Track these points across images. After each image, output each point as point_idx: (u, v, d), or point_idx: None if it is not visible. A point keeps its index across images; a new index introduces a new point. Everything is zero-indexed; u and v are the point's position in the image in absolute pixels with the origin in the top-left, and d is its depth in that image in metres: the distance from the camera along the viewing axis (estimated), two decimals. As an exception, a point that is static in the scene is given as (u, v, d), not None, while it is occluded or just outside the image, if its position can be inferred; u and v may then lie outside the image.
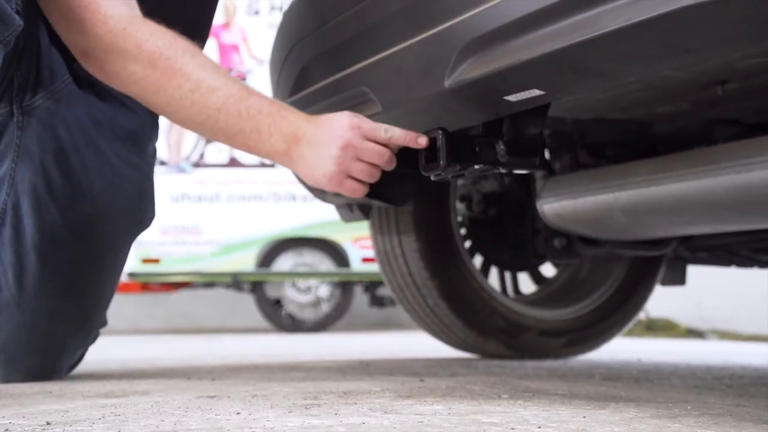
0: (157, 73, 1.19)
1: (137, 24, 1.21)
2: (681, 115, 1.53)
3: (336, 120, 1.20)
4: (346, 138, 1.18)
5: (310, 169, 1.21)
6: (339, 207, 1.94)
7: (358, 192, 1.23)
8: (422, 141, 1.18)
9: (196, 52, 1.22)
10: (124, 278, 4.70)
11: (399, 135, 1.19)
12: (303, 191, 2.71)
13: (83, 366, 1.63)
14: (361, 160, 1.20)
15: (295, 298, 4.93)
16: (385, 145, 1.20)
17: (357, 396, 1.11)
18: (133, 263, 4.70)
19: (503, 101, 1.08)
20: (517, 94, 1.05)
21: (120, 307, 5.20)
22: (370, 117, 1.26)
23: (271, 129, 1.20)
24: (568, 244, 1.89)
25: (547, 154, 1.75)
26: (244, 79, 5.04)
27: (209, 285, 5.08)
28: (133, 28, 1.20)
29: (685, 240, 1.90)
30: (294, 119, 1.21)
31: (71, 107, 1.33)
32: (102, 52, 1.21)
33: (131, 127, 1.41)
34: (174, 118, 1.25)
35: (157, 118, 1.48)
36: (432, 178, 1.22)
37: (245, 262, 4.87)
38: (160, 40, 1.20)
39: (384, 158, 1.20)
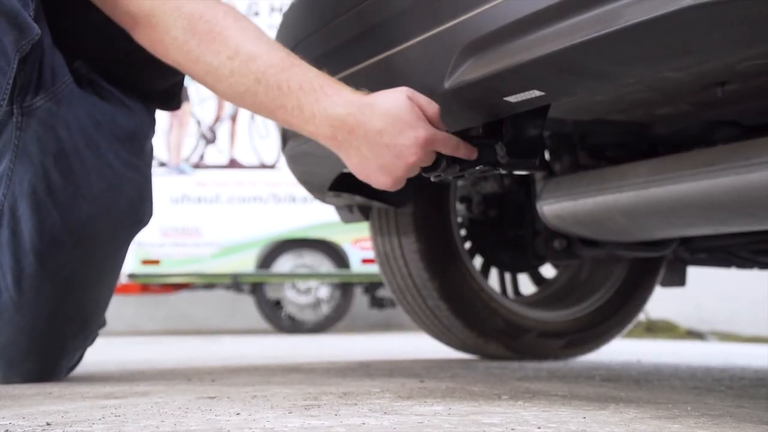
0: (196, 38, 1.13)
1: None
2: (681, 117, 1.53)
3: (402, 121, 1.05)
4: (418, 157, 1.06)
5: (363, 165, 1.08)
6: (339, 208, 1.95)
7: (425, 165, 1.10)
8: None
9: (239, 15, 1.16)
10: (123, 279, 4.70)
11: (464, 152, 1.11)
12: (303, 192, 2.71)
13: (83, 367, 1.63)
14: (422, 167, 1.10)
15: (295, 299, 4.93)
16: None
17: (357, 397, 1.11)
18: (133, 264, 4.70)
19: (503, 102, 1.08)
20: (517, 95, 1.05)
21: (120, 309, 5.21)
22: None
23: (313, 108, 1.07)
24: (568, 245, 1.89)
25: (547, 156, 1.75)
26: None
27: (209, 286, 5.08)
28: None
29: (685, 241, 1.90)
30: (341, 101, 1.06)
31: (72, 108, 1.33)
32: (145, 18, 1.17)
33: (130, 127, 1.41)
34: (217, 89, 1.17)
35: (154, 116, 1.48)
36: (432, 179, 1.22)
37: (245, 263, 4.87)
38: (201, 2, 1.14)
39: (459, 149, 1.09)
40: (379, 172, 1.08)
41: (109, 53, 1.34)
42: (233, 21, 1.14)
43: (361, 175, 1.11)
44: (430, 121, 1.08)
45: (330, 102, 1.07)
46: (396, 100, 1.06)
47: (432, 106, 1.08)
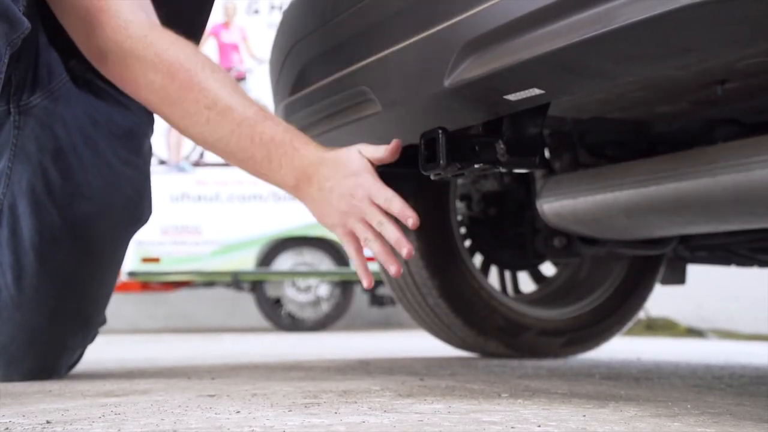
0: (175, 84, 1.18)
1: (158, 32, 1.20)
2: (680, 115, 1.53)
3: (349, 170, 1.15)
4: (353, 198, 1.15)
5: (318, 212, 1.19)
6: (339, 206, 1.94)
7: (355, 257, 1.19)
8: (413, 223, 1.13)
9: (216, 68, 1.21)
10: (123, 278, 4.70)
11: (396, 207, 1.15)
12: (303, 191, 2.71)
13: (83, 365, 1.63)
14: (364, 222, 1.17)
15: (294, 297, 4.93)
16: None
17: (357, 395, 1.11)
18: (132, 262, 4.70)
19: (503, 101, 1.08)
20: (517, 94, 1.05)
21: (120, 307, 5.20)
22: (370, 116, 1.26)
23: (281, 160, 1.17)
24: (567, 243, 1.89)
25: (546, 154, 1.75)
26: (243, 78, 5.05)
27: (209, 284, 5.08)
28: (154, 36, 1.19)
29: (685, 239, 1.90)
30: (307, 153, 1.17)
31: (69, 106, 1.33)
32: (121, 57, 1.20)
33: (128, 125, 1.41)
34: (187, 133, 1.23)
35: (153, 115, 1.48)
36: (432, 177, 1.23)
37: (245, 261, 4.87)
38: (180, 51, 1.19)
39: (383, 228, 1.15)
40: (326, 215, 1.18)
41: None
42: (211, 73, 1.19)
43: (316, 217, 1.21)
44: (369, 197, 1.16)
45: (297, 155, 1.17)
46: (348, 152, 1.17)
47: (374, 186, 1.16)
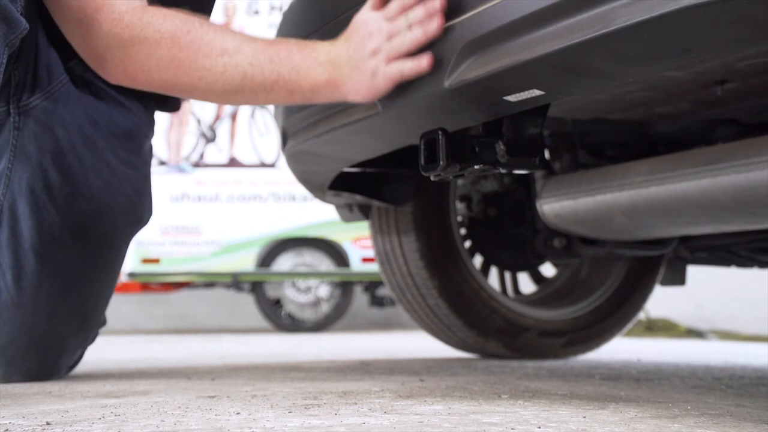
0: (183, 51, 1.20)
1: (150, 11, 1.22)
2: (680, 115, 1.53)
3: (356, 25, 1.17)
4: (372, 33, 1.14)
5: (357, 82, 1.16)
6: (339, 207, 1.95)
7: (414, 69, 1.11)
8: (439, 2, 1.08)
9: (205, 21, 1.23)
10: (123, 278, 4.70)
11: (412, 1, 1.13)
12: (303, 191, 2.71)
13: (83, 366, 1.63)
14: (394, 36, 1.13)
15: (294, 298, 4.93)
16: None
17: (357, 396, 1.11)
18: (132, 263, 4.70)
19: (503, 101, 1.08)
20: (517, 95, 1.05)
21: (120, 307, 5.21)
22: (370, 117, 1.26)
23: (308, 63, 1.18)
24: (567, 244, 1.89)
25: (546, 154, 1.75)
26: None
27: (209, 285, 5.08)
28: (148, 16, 1.21)
29: (685, 240, 1.90)
30: (323, 47, 1.19)
31: (68, 107, 1.32)
32: (122, 49, 1.21)
33: (128, 125, 1.41)
34: (212, 92, 1.23)
35: (153, 116, 1.47)
36: (432, 178, 1.22)
37: (245, 262, 4.87)
38: (176, 19, 1.21)
39: (411, 16, 1.11)
40: (364, 71, 1.15)
41: None
42: (209, 26, 1.22)
43: (360, 93, 1.17)
44: (387, 18, 1.14)
45: (317, 52, 1.19)
46: (353, 19, 1.18)
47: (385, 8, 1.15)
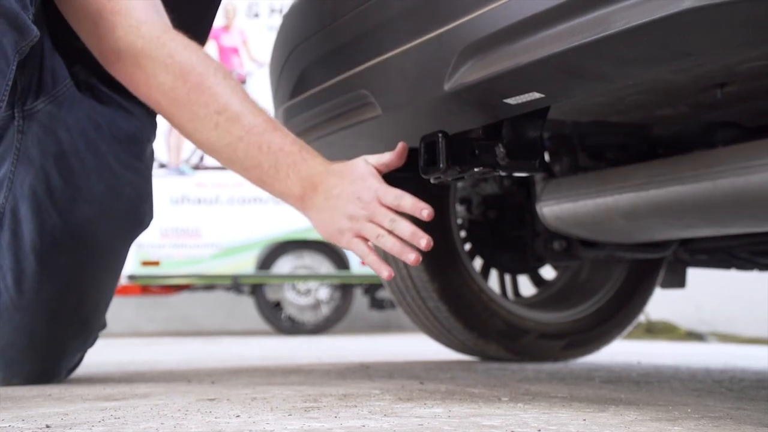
0: (186, 87, 1.18)
1: (171, 34, 1.20)
2: (680, 118, 1.53)
3: (356, 175, 1.16)
4: (361, 201, 1.14)
5: (323, 221, 1.18)
6: (339, 210, 1.94)
7: (367, 256, 1.16)
8: (428, 214, 1.13)
9: (228, 74, 1.21)
10: (123, 281, 4.70)
11: (408, 203, 1.15)
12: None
13: (82, 369, 1.63)
14: (373, 222, 1.16)
15: (294, 300, 4.93)
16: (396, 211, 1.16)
17: (357, 399, 1.11)
18: (132, 266, 4.70)
19: (503, 104, 1.08)
20: (517, 97, 1.05)
21: (119, 310, 5.20)
22: (370, 120, 1.26)
23: (289, 170, 1.17)
24: (567, 246, 1.89)
25: (546, 157, 1.75)
26: (243, 81, 5.05)
27: (209, 287, 5.08)
28: (167, 38, 1.19)
29: (685, 243, 1.90)
30: (314, 164, 1.17)
31: (72, 111, 1.33)
32: (133, 57, 1.20)
33: (130, 129, 1.41)
34: (194, 137, 1.22)
35: (155, 120, 1.48)
36: (432, 180, 1.23)
37: (245, 264, 4.87)
38: (193, 55, 1.19)
39: (395, 225, 1.14)
40: (333, 222, 1.16)
41: None
42: (223, 78, 1.19)
43: (320, 227, 1.19)
44: (379, 200, 1.15)
45: (305, 165, 1.17)
46: (353, 161, 1.17)
47: (383, 188, 1.15)
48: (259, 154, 1.17)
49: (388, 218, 1.14)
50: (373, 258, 1.16)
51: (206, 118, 1.18)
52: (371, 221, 1.15)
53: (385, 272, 1.14)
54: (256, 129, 1.17)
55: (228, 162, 1.21)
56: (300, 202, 1.19)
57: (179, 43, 1.20)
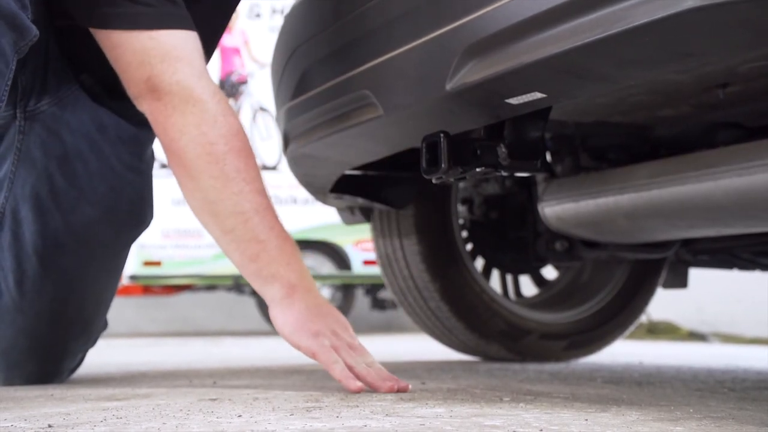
0: (227, 147, 1.21)
1: (221, 95, 1.24)
2: (682, 119, 1.53)
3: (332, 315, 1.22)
4: (327, 328, 1.21)
5: (295, 324, 1.22)
6: (340, 210, 1.95)
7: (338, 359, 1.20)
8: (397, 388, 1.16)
9: (250, 154, 1.24)
10: (125, 281, 4.70)
11: (373, 381, 1.16)
12: (304, 194, 2.71)
13: (84, 369, 1.63)
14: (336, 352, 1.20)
15: (296, 301, 4.93)
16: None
17: (358, 399, 1.11)
18: (134, 266, 4.70)
19: (505, 104, 1.08)
20: (519, 98, 1.05)
21: (121, 311, 5.20)
22: (372, 120, 1.26)
23: (271, 279, 1.25)
24: (569, 247, 1.89)
25: (548, 157, 1.75)
26: (245, 82, 5.05)
27: (210, 288, 5.08)
28: (223, 97, 1.23)
29: (687, 243, 1.90)
30: (296, 267, 1.25)
31: (76, 113, 1.33)
32: (181, 102, 1.21)
33: (133, 130, 1.41)
34: (196, 212, 1.28)
35: None
36: (433, 181, 1.23)
37: (246, 265, 4.86)
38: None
39: (355, 360, 1.18)
40: (302, 328, 1.21)
41: (114, 75, 1.32)
42: (243, 185, 1.22)
43: (287, 333, 1.22)
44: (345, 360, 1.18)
45: (282, 279, 1.24)
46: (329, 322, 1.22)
47: (349, 357, 1.19)
48: (251, 263, 1.28)
49: (355, 361, 1.18)
50: (339, 371, 1.18)
51: (213, 205, 1.23)
52: (337, 350, 1.19)
53: (353, 387, 1.15)
54: (251, 232, 1.23)
55: (223, 245, 1.30)
56: (283, 293, 1.24)
57: (231, 108, 1.24)
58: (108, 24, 1.20)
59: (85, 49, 1.27)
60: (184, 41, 1.22)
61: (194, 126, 1.21)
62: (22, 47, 1.08)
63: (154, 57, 1.20)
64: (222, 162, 1.21)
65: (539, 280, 2.22)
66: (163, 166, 5.47)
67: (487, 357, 2.02)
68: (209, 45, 1.46)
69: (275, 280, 1.24)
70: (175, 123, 1.22)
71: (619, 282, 2.11)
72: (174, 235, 4.82)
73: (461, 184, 2.01)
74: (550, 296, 2.17)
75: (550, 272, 2.24)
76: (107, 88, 1.36)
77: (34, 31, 1.09)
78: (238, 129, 1.23)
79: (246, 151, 1.23)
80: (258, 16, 5.09)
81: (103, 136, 1.36)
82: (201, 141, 1.21)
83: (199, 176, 1.23)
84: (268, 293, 1.25)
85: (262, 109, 5.01)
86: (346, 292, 4.99)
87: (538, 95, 1.03)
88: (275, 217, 1.25)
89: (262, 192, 1.24)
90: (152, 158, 1.50)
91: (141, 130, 1.43)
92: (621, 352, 2.53)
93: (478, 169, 1.19)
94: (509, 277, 2.16)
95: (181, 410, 0.99)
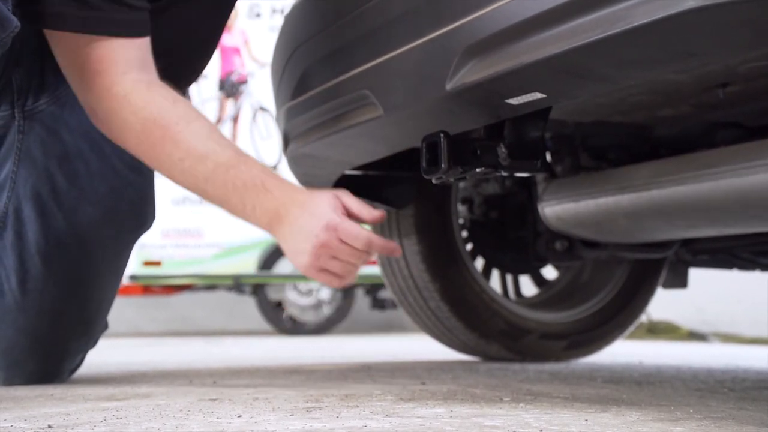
0: (149, 141, 1.20)
1: (137, 91, 1.21)
2: (682, 119, 1.53)
3: (318, 211, 1.17)
4: (322, 239, 1.16)
5: (290, 252, 1.20)
6: (340, 210, 1.94)
7: (336, 283, 1.21)
8: (399, 253, 1.18)
9: (192, 116, 1.22)
10: (125, 281, 4.70)
11: (377, 244, 1.18)
12: (304, 194, 2.72)
13: (84, 369, 1.63)
14: (337, 259, 1.18)
15: (296, 300, 4.93)
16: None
17: (358, 399, 1.11)
18: (134, 266, 4.70)
19: (504, 104, 1.08)
20: (519, 98, 1.05)
21: (121, 310, 5.20)
22: (372, 120, 1.26)
23: (254, 203, 1.19)
24: (569, 246, 1.89)
25: (548, 157, 1.75)
26: (245, 82, 5.05)
27: (210, 288, 5.08)
28: (133, 96, 1.20)
29: (687, 243, 1.90)
30: (279, 194, 1.19)
31: (75, 111, 1.32)
32: (105, 115, 1.23)
33: (133, 130, 1.41)
34: (173, 181, 1.26)
35: None
36: (433, 181, 1.22)
37: (246, 264, 4.87)
38: (155, 107, 1.20)
39: (360, 259, 1.18)
40: (298, 253, 1.18)
41: None
42: (186, 125, 1.21)
43: (289, 256, 1.21)
44: (342, 240, 1.16)
45: (268, 197, 1.19)
46: (321, 194, 1.19)
47: (361, 210, 1.19)
48: (226, 192, 1.20)
49: (353, 256, 1.17)
50: (338, 283, 1.20)
51: (173, 167, 1.21)
52: (335, 258, 1.18)
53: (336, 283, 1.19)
54: (220, 168, 1.19)
55: (204, 198, 1.25)
56: (270, 230, 1.21)
57: (143, 99, 1.21)
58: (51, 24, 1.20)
59: None
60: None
61: (122, 133, 1.23)
62: (4, 39, 1.07)
63: (81, 75, 1.22)
64: (155, 155, 1.22)
65: (539, 280, 2.22)
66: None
67: (487, 357, 2.02)
68: (209, 44, 1.46)
69: (256, 225, 1.23)
70: (113, 134, 1.25)
71: (619, 282, 2.11)
72: (174, 234, 4.82)
73: (461, 184, 2.01)
74: (550, 296, 2.17)
75: (550, 272, 2.23)
76: None
77: (15, 22, 1.08)
78: (152, 116, 1.20)
79: (165, 134, 1.20)
80: (258, 15, 5.09)
81: (103, 135, 1.36)
82: (131, 145, 1.24)
83: (156, 170, 1.26)
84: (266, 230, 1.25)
85: (262, 108, 5.01)
86: (345, 291, 4.98)
87: (538, 95, 1.03)
88: (226, 170, 1.20)
89: (201, 159, 1.20)
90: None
91: None
92: (621, 352, 2.53)
93: (478, 169, 1.19)
94: (509, 277, 2.16)
95: (181, 410, 0.99)
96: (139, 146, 1.22)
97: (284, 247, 1.21)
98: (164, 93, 1.22)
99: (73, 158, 1.33)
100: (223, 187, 1.20)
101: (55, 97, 1.31)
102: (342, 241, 1.16)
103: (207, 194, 1.23)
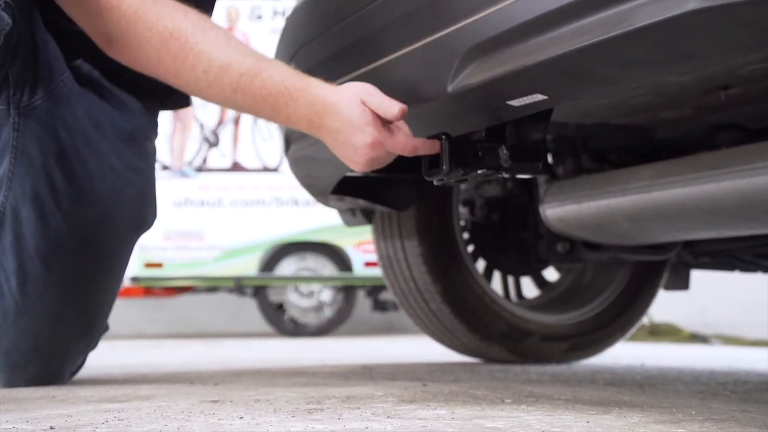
0: (170, 56, 1.19)
1: (147, 5, 1.20)
2: (684, 121, 1.53)
3: (353, 125, 1.16)
4: (371, 155, 1.17)
5: (342, 158, 1.21)
6: (342, 211, 1.95)
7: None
8: (437, 147, 1.18)
9: (207, 25, 1.21)
10: (126, 283, 4.70)
11: (423, 149, 1.19)
12: (305, 196, 2.71)
13: (86, 371, 1.63)
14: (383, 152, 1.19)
15: (297, 302, 4.93)
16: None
17: (360, 401, 1.11)
18: (135, 268, 4.70)
19: (506, 106, 1.08)
20: (520, 99, 1.05)
21: (122, 312, 5.20)
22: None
23: (287, 110, 1.18)
24: (571, 248, 1.89)
25: (550, 159, 1.75)
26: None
27: (212, 289, 5.08)
28: (143, 11, 1.20)
29: (689, 245, 1.90)
30: (306, 102, 1.17)
31: (70, 108, 1.31)
32: (120, 37, 1.21)
33: (130, 128, 1.40)
34: (201, 97, 1.25)
35: (156, 118, 1.47)
36: (435, 182, 1.23)
37: (248, 266, 4.87)
38: (168, 20, 1.19)
39: (415, 149, 1.19)
40: (349, 160, 1.20)
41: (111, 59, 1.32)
42: (202, 34, 1.20)
43: (340, 157, 1.21)
44: (387, 122, 1.17)
45: (297, 104, 1.18)
46: (350, 102, 1.17)
47: (387, 110, 1.16)
48: (255, 103, 1.19)
49: (399, 153, 1.18)
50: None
51: (198, 81, 1.20)
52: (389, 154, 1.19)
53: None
54: (244, 78, 1.18)
55: (239, 110, 1.25)
56: (312, 131, 1.20)
57: (154, 12, 1.20)
58: None
59: (77, 27, 1.26)
60: None
61: (141, 52, 1.21)
62: None
63: (85, 1, 1.21)
64: (178, 72, 1.20)
65: (541, 282, 2.22)
66: (164, 167, 5.46)
67: (489, 359, 2.02)
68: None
69: (298, 128, 1.22)
70: (132, 56, 1.23)
71: (621, 284, 2.11)
72: (175, 236, 4.82)
73: (462, 186, 2.01)
74: (552, 298, 2.17)
75: (551, 274, 2.23)
76: (104, 74, 1.35)
77: (6, 19, 1.07)
78: (167, 29, 1.19)
79: (184, 46, 1.19)
80: (259, 18, 5.09)
81: (99, 133, 1.35)
82: (153, 63, 1.21)
83: (181, 87, 1.25)
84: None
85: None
86: (347, 293, 4.98)
87: (539, 97, 1.03)
88: (251, 79, 1.19)
89: (225, 69, 1.19)
90: (154, 157, 1.49)
91: (139, 125, 1.41)
92: (623, 354, 2.53)
93: (479, 171, 1.19)
94: (511, 279, 2.16)
95: (182, 412, 0.99)
96: (161, 64, 1.20)
97: (332, 148, 1.21)
98: (173, 4, 1.22)
99: (70, 157, 1.31)
100: (252, 97, 1.19)
101: (50, 92, 1.28)
102: (389, 152, 1.19)
103: (238, 105, 1.21)
